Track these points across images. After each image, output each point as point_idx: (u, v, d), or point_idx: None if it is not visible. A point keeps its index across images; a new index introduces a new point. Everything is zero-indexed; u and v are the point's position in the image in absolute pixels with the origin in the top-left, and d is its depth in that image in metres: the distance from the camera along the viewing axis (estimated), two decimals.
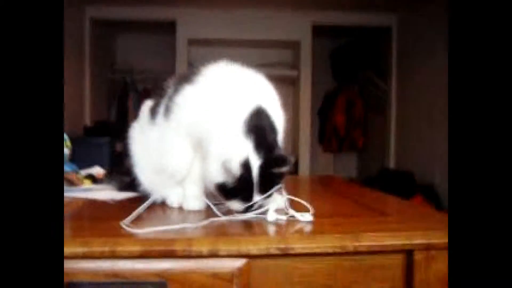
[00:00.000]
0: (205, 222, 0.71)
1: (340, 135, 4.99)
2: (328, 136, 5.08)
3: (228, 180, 0.72)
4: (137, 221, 0.73)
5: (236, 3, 4.33)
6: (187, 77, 0.82)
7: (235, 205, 0.75)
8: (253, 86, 0.80)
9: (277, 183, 0.75)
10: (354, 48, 5.09)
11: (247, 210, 0.75)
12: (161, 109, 0.84)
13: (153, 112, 0.87)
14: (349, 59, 5.07)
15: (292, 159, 0.74)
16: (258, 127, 0.73)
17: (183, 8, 4.48)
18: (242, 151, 0.72)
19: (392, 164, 4.49)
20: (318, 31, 4.64)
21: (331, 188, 1.34)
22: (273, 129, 0.76)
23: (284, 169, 0.75)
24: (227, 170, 0.71)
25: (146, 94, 5.04)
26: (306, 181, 1.66)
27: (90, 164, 1.25)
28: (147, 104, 0.91)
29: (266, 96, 0.79)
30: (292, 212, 0.75)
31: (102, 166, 1.30)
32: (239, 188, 0.73)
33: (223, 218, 0.74)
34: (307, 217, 0.74)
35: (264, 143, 0.73)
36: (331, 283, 0.66)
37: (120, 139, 4.18)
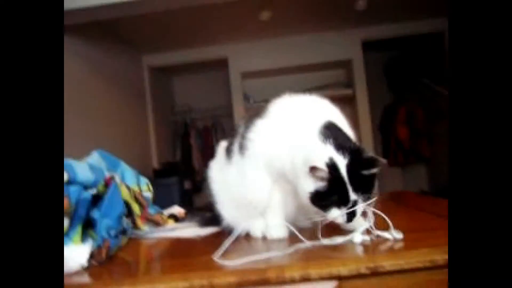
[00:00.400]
0: (292, 249, 0.73)
1: (405, 147, 4.86)
2: (392, 150, 4.96)
3: (319, 185, 0.73)
4: (226, 254, 0.76)
5: (283, 30, 4.42)
6: (255, 114, 0.86)
7: (335, 213, 0.74)
8: (319, 107, 0.83)
9: (370, 186, 0.74)
10: (408, 57, 5.01)
11: (350, 218, 0.74)
12: (235, 147, 0.89)
13: (229, 151, 0.92)
14: (404, 70, 4.98)
15: (381, 160, 0.74)
16: (334, 134, 0.75)
17: (233, 45, 4.64)
18: (325, 152, 0.72)
19: None
20: (369, 46, 4.62)
21: (403, 203, 1.32)
22: (348, 137, 0.77)
23: (374, 170, 0.74)
24: (315, 175, 0.72)
25: (206, 131, 5.21)
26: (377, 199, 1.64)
27: (162, 204, 1.31)
28: (222, 145, 0.96)
29: (333, 114, 0.81)
30: (378, 232, 0.76)
31: (173, 204, 1.36)
32: (332, 190, 0.72)
33: (308, 244, 0.76)
34: (395, 234, 0.74)
35: (345, 146, 0.73)
36: None
37: (187, 177, 4.34)
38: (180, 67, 5.04)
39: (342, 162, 0.72)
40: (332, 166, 0.72)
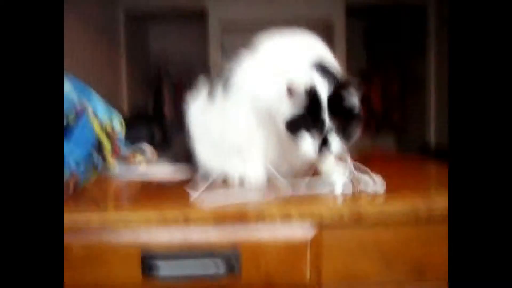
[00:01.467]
0: (272, 195, 0.70)
1: (378, 115, 4.91)
2: (365, 118, 4.98)
3: (296, 111, 0.68)
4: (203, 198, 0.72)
5: None
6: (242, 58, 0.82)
7: (308, 144, 0.68)
8: (310, 43, 0.78)
9: (351, 124, 0.70)
10: (389, 27, 4.97)
11: (322, 150, 0.68)
12: (219, 88, 0.85)
13: (211, 92, 0.88)
14: (384, 38, 4.96)
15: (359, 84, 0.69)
16: (322, 66, 0.71)
17: None
18: (307, 76, 0.68)
19: (432, 142, 4.39)
20: (352, 12, 4.55)
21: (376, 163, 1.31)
22: (336, 71, 0.72)
23: (355, 99, 0.70)
24: (293, 96, 0.67)
25: (180, 84, 5.10)
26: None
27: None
28: (202, 87, 0.92)
29: (323, 51, 0.77)
30: (359, 175, 0.73)
31: None
32: (308, 115, 0.67)
33: (288, 191, 0.72)
34: (376, 179, 0.72)
35: (331, 76, 0.69)
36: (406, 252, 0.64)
37: (158, 128, 4.25)
38: (158, 14, 4.85)
39: (323, 89, 0.67)
40: (311, 90, 0.67)
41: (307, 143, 0.68)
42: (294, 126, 0.68)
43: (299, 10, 4.55)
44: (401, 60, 4.87)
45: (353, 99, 0.70)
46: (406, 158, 1.50)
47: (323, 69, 0.70)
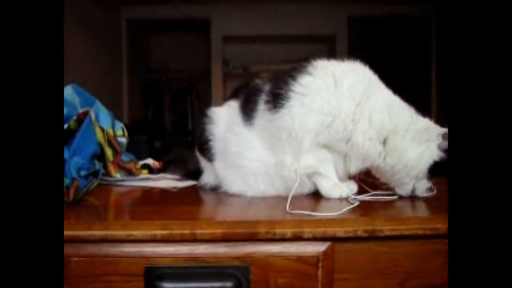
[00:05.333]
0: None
1: None
2: None
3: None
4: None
5: None
6: (290, 71, 0.79)
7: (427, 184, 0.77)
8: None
9: None
10: (392, 40, 4.98)
11: None
12: (261, 107, 0.79)
13: (248, 110, 0.81)
14: (386, 52, 4.96)
15: None
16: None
17: (217, 5, 4.47)
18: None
19: None
20: (354, 23, 4.55)
21: None
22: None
23: None
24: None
25: (181, 93, 5.08)
26: None
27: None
28: (232, 104, 0.85)
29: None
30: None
31: None
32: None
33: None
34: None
35: None
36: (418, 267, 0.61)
37: (157, 137, 4.23)
38: (160, 24, 4.85)
39: None
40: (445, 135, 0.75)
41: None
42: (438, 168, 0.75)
43: (301, 24, 4.55)
44: (403, 72, 4.87)
45: None
46: None
47: None
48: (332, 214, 0.63)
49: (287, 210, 0.65)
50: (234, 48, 4.77)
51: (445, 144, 0.74)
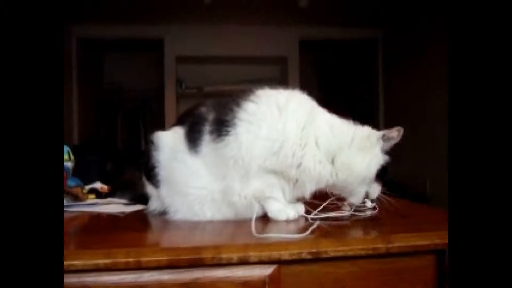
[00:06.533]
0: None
1: None
2: None
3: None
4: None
5: (224, 17, 4.33)
6: (234, 99, 0.80)
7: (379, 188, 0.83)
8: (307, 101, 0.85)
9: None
10: (341, 61, 5.14)
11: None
12: (206, 136, 0.80)
13: (193, 138, 0.81)
14: (336, 73, 5.11)
15: None
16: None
17: (170, 25, 4.47)
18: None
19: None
20: (305, 45, 4.68)
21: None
22: None
23: None
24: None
25: (134, 113, 5.01)
26: None
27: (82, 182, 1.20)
28: (177, 131, 0.85)
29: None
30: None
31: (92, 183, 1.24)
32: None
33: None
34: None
35: None
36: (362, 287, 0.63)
37: (109, 158, 4.12)
38: (113, 43, 4.78)
39: None
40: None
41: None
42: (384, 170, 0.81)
43: (254, 46, 4.61)
44: (352, 90, 5.03)
45: None
46: None
47: None
48: (302, 235, 0.65)
49: (254, 234, 0.65)
50: (187, 68, 4.76)
51: (386, 145, 0.81)
